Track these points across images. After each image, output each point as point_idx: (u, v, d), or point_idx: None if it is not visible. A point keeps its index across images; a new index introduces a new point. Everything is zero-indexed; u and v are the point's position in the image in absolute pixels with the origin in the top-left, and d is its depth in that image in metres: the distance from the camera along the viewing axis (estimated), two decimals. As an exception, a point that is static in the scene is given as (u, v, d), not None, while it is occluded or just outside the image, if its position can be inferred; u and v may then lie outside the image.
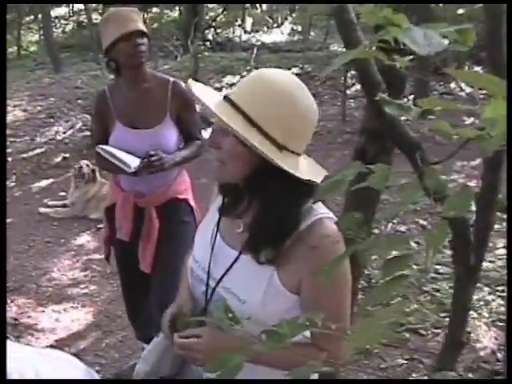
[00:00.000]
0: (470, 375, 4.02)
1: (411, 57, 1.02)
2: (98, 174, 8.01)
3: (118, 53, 3.64)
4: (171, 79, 3.80)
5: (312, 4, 14.38)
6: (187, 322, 2.01)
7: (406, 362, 4.34)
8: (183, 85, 3.84)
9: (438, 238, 0.86)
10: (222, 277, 1.98)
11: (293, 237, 1.85)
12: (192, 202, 3.93)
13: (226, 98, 1.84)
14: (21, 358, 1.56)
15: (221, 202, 2.10)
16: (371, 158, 2.82)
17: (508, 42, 0.92)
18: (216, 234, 2.07)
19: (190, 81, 1.96)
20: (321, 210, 1.89)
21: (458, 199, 0.85)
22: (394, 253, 1.02)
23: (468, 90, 12.55)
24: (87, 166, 8.04)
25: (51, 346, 4.85)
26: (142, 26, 3.62)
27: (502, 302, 4.83)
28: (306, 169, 1.86)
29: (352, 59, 1.04)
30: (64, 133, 11.59)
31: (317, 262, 1.81)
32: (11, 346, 1.52)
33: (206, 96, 1.89)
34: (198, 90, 1.92)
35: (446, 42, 0.87)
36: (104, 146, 3.66)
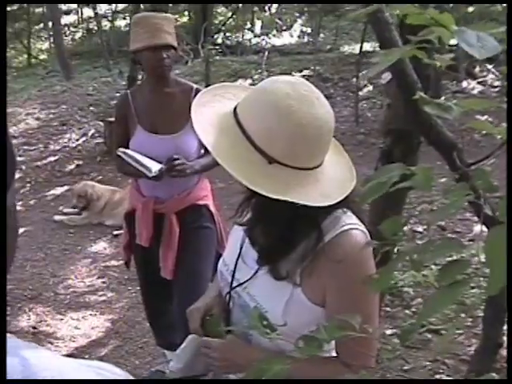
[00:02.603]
0: (494, 375, 3.98)
1: (452, 55, 1.00)
2: (95, 193, 8.02)
3: (142, 59, 3.66)
4: (194, 86, 3.79)
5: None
6: (216, 323, 2.01)
7: (429, 363, 4.31)
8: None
9: (499, 251, 0.81)
10: (244, 282, 1.96)
11: (317, 249, 1.81)
12: (212, 208, 3.91)
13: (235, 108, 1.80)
14: (64, 371, 1.53)
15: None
16: (398, 159, 2.79)
17: (508, 41, 0.90)
18: (245, 238, 2.05)
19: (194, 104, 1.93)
20: (348, 221, 1.83)
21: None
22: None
23: (480, 88, 12.59)
24: (84, 193, 8.03)
25: (71, 354, 4.85)
26: (171, 39, 3.62)
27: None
28: (304, 184, 1.74)
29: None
30: (77, 140, 11.62)
31: (343, 275, 1.78)
32: (52, 357, 1.49)
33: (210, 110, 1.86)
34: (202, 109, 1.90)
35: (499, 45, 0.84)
36: (125, 150, 3.64)
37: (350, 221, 1.84)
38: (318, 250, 1.81)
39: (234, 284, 2.01)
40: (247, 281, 1.95)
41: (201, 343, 1.99)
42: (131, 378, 1.78)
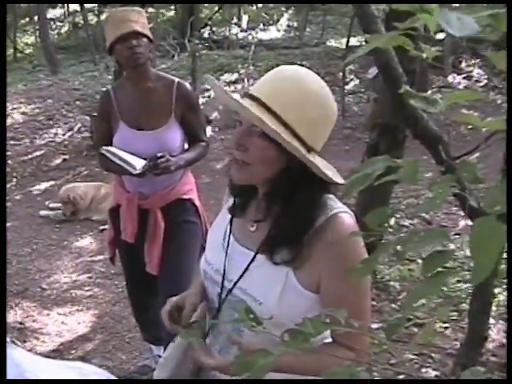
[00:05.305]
0: (480, 368, 3.99)
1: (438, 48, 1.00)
2: (77, 194, 7.91)
3: (116, 55, 3.62)
4: (176, 79, 3.76)
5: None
6: (188, 315, 1.99)
7: (415, 356, 4.32)
8: (188, 85, 3.81)
9: (489, 244, 0.80)
10: (240, 278, 1.94)
11: (309, 233, 1.82)
12: (197, 202, 3.90)
13: (250, 96, 1.79)
14: (48, 372, 1.53)
15: (232, 203, 2.08)
16: (383, 152, 2.79)
17: (508, 41, 0.90)
18: (229, 235, 2.04)
19: (207, 77, 1.97)
20: (336, 205, 1.86)
21: (500, 193, 0.81)
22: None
23: (466, 82, 12.62)
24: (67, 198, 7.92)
25: (58, 350, 4.84)
26: (138, 27, 3.55)
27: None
28: (326, 167, 1.85)
29: (373, 53, 1.02)
30: (63, 135, 11.56)
31: (336, 258, 1.79)
32: (38, 361, 1.50)
33: (227, 95, 1.82)
34: (220, 89, 1.88)
35: (478, 27, 0.84)
36: (109, 148, 3.62)
37: (337, 205, 1.87)
38: (310, 234, 1.83)
39: (226, 282, 1.99)
40: (241, 276, 1.94)
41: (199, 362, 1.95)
42: (112, 377, 1.78)
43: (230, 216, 2.07)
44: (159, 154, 3.51)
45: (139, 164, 3.51)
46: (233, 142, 1.85)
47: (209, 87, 11.60)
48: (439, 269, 0.90)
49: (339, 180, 1.82)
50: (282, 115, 1.74)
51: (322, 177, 1.81)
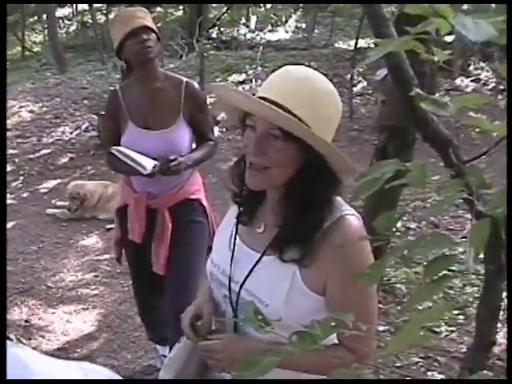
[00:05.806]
0: (487, 373, 3.97)
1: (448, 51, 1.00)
2: (87, 191, 7.92)
3: (126, 52, 3.61)
4: (184, 79, 3.75)
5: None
6: (207, 324, 2.00)
7: (421, 360, 4.31)
8: (196, 85, 3.81)
9: (480, 236, 0.85)
10: (245, 280, 1.94)
11: (317, 234, 1.82)
12: (205, 202, 3.90)
13: (264, 99, 1.76)
14: (54, 372, 1.53)
15: (238, 211, 2.07)
16: (392, 155, 2.78)
17: (508, 41, 0.89)
18: (235, 237, 2.04)
19: (216, 84, 1.97)
20: (343, 207, 1.87)
21: (503, 197, 0.82)
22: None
23: (473, 85, 12.59)
24: (77, 194, 7.92)
25: (63, 348, 4.84)
26: (147, 22, 3.57)
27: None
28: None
29: (384, 55, 1.01)
30: (70, 133, 11.57)
31: (342, 260, 1.79)
32: (45, 361, 1.50)
33: (248, 99, 1.79)
34: (240, 94, 1.85)
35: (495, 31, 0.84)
36: (119, 148, 3.61)
37: (344, 207, 1.88)
38: (318, 235, 1.82)
39: (233, 284, 1.99)
40: (247, 277, 1.94)
41: (200, 348, 1.97)
42: (118, 377, 1.77)
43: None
44: (171, 157, 3.50)
45: (149, 164, 3.50)
46: (246, 148, 1.83)
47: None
48: (443, 272, 0.91)
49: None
50: (302, 116, 1.74)
51: (343, 168, 1.82)
